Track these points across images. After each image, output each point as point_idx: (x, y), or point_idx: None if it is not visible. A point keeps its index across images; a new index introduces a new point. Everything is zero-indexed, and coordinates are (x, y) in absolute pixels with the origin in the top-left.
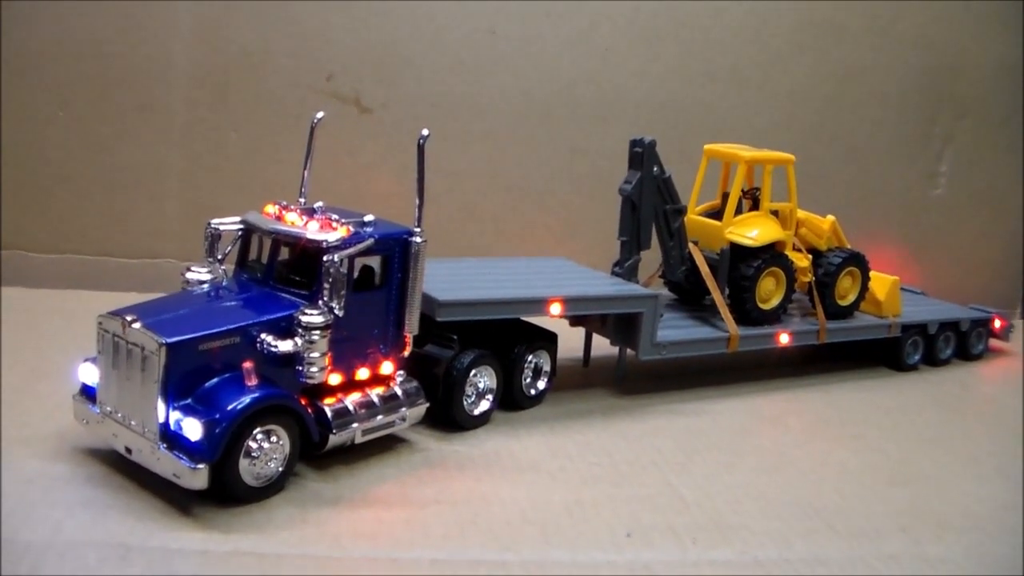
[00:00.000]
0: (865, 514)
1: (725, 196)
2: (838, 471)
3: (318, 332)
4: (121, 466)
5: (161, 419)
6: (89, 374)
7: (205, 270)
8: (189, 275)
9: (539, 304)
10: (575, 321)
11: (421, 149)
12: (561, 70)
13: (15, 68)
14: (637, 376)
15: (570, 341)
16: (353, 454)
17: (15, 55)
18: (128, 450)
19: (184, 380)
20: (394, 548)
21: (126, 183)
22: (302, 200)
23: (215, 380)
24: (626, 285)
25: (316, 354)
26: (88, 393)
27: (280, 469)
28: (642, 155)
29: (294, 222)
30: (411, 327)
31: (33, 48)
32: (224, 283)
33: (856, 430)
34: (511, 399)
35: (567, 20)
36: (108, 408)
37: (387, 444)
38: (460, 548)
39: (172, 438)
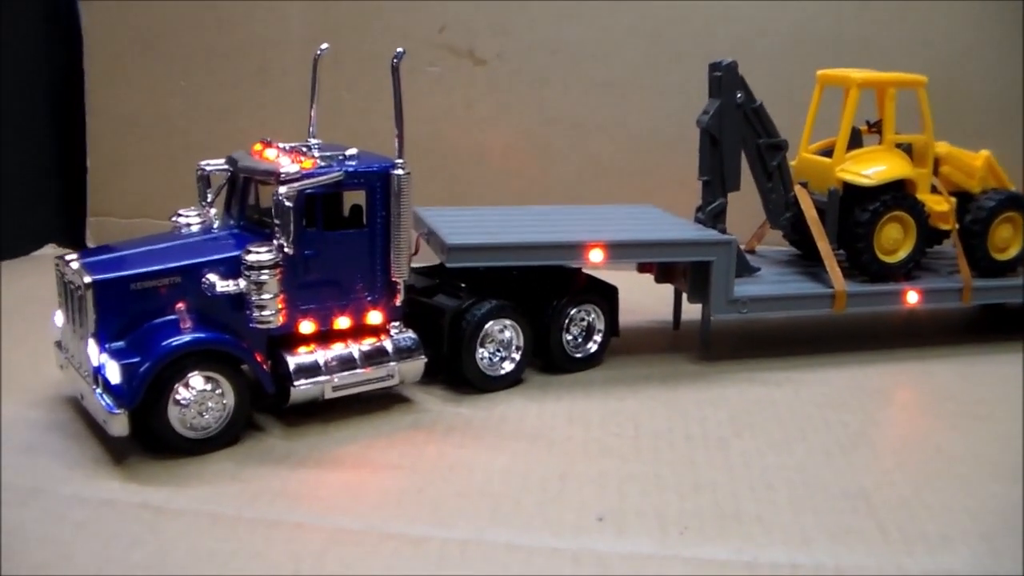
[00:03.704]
0: (939, 515)
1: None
2: (930, 458)
3: (267, 272)
4: (88, 414)
5: (95, 362)
6: (60, 320)
7: (194, 213)
8: (176, 219)
9: (573, 250)
10: (661, 277)
11: (395, 71)
12: (693, 6)
13: (139, 43)
14: (732, 342)
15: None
16: (337, 411)
17: (139, 30)
18: (81, 396)
19: (117, 321)
20: (307, 513)
21: (245, 148)
22: (311, 140)
23: (152, 323)
24: (701, 231)
25: (267, 296)
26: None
27: (224, 420)
28: (720, 80)
29: (268, 158)
30: (398, 271)
31: (155, 23)
32: (213, 226)
33: (983, 410)
34: (552, 360)
35: None
36: (69, 353)
37: (384, 403)
38: (383, 519)
39: (104, 382)
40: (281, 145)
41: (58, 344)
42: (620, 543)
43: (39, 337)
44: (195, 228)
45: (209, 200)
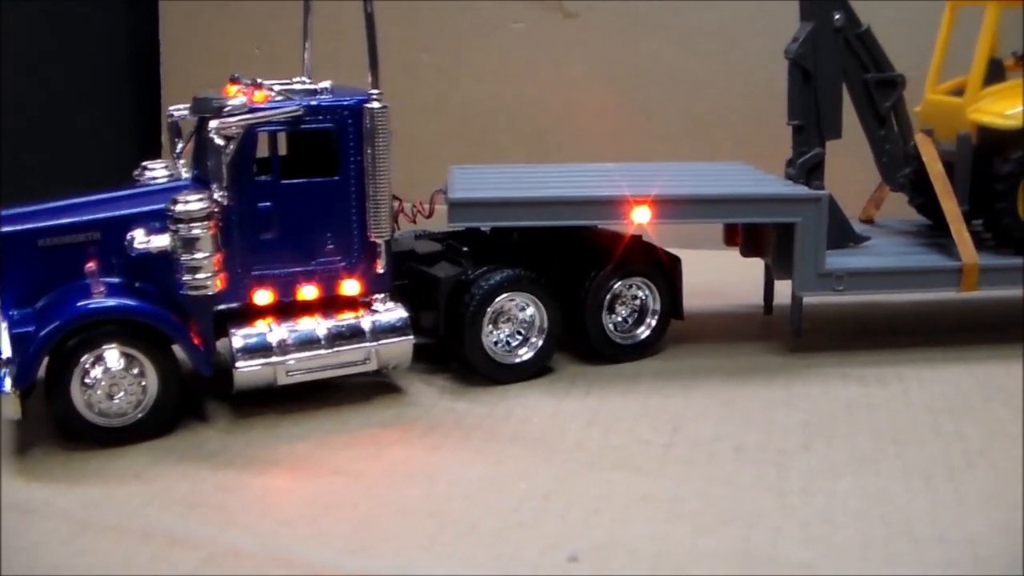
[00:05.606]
0: None
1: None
2: None
3: (198, 226)
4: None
5: None
6: None
7: (161, 165)
8: (141, 172)
9: (608, 207)
10: (747, 249)
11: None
12: None
13: (213, 5)
14: (833, 331)
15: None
16: (304, 401)
17: None
18: None
19: (24, 284)
20: (197, 526)
21: None
22: (297, 78)
23: (63, 288)
24: (782, 186)
25: (199, 255)
26: None
27: (144, 407)
28: None
29: (229, 93)
30: (377, 229)
31: None
32: (181, 179)
33: None
34: (592, 347)
35: None
36: None
37: (367, 393)
38: (285, 540)
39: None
40: (246, 80)
41: None
42: None
43: None
44: (161, 182)
45: (178, 150)
